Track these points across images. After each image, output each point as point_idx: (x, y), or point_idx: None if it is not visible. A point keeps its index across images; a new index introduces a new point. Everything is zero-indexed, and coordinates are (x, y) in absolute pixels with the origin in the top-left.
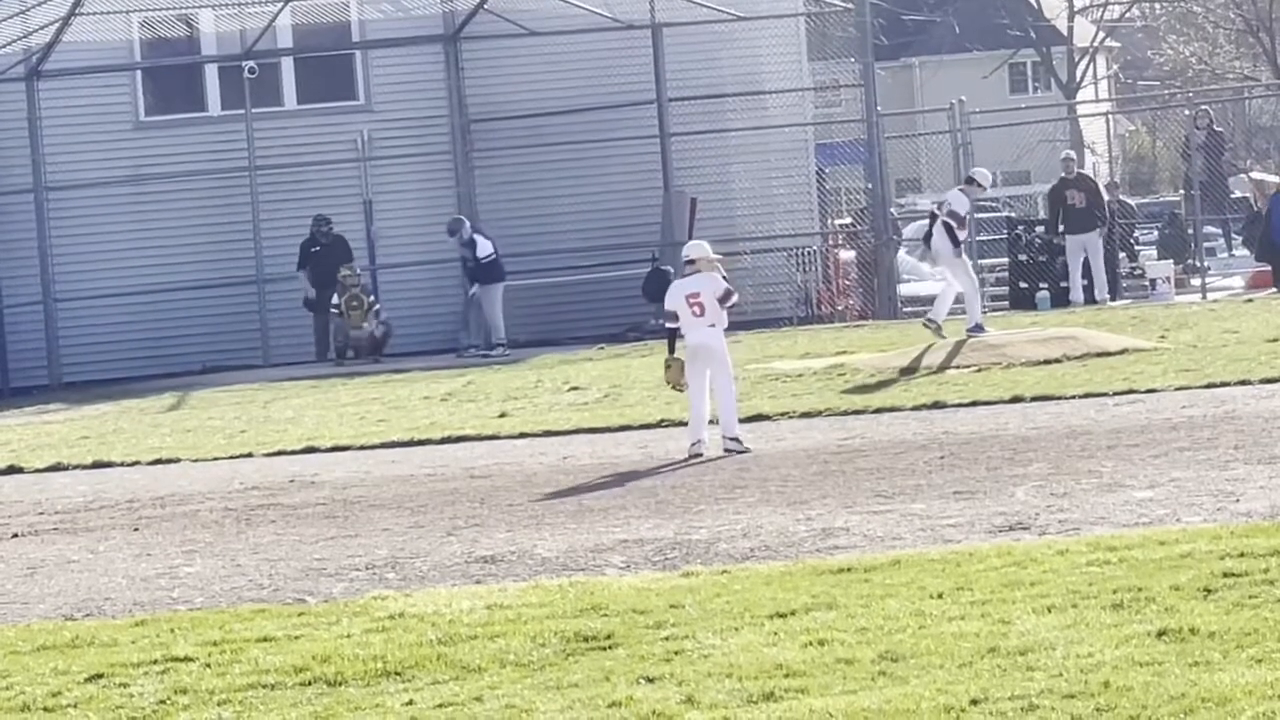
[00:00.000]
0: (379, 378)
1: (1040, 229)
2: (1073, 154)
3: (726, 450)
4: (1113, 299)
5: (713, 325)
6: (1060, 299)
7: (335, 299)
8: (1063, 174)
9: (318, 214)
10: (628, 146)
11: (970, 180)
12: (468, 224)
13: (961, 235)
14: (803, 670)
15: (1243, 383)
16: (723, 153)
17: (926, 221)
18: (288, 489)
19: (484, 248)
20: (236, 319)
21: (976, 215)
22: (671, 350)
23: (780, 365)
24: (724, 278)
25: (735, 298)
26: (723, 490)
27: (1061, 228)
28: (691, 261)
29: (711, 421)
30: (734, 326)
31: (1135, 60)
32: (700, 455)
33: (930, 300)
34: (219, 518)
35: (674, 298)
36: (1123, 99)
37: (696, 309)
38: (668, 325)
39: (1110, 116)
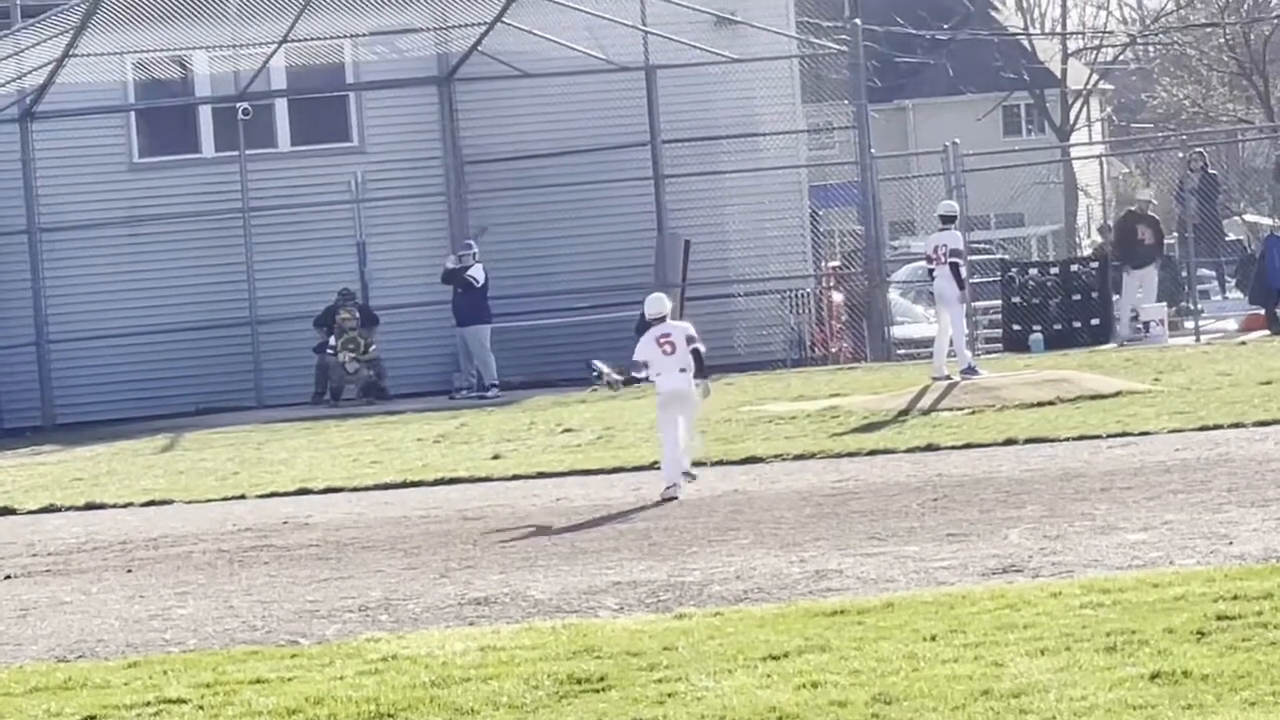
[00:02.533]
0: (372, 419)
1: (1033, 271)
2: (1150, 195)
3: (675, 484)
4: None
5: (683, 370)
6: (1058, 340)
7: (332, 340)
8: (1132, 208)
9: (343, 288)
10: (621, 188)
11: (948, 219)
12: (475, 249)
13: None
14: (796, 713)
15: (1236, 425)
16: (717, 195)
17: (925, 264)
18: (281, 530)
19: (479, 273)
20: (230, 360)
21: (970, 257)
22: (624, 379)
23: (773, 407)
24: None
25: (702, 347)
26: (716, 532)
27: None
28: (660, 318)
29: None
30: (727, 368)
31: (1129, 103)
32: (675, 499)
33: (924, 342)
34: (212, 559)
35: (644, 347)
36: (1116, 141)
37: (667, 347)
38: (635, 375)
39: (1104, 159)
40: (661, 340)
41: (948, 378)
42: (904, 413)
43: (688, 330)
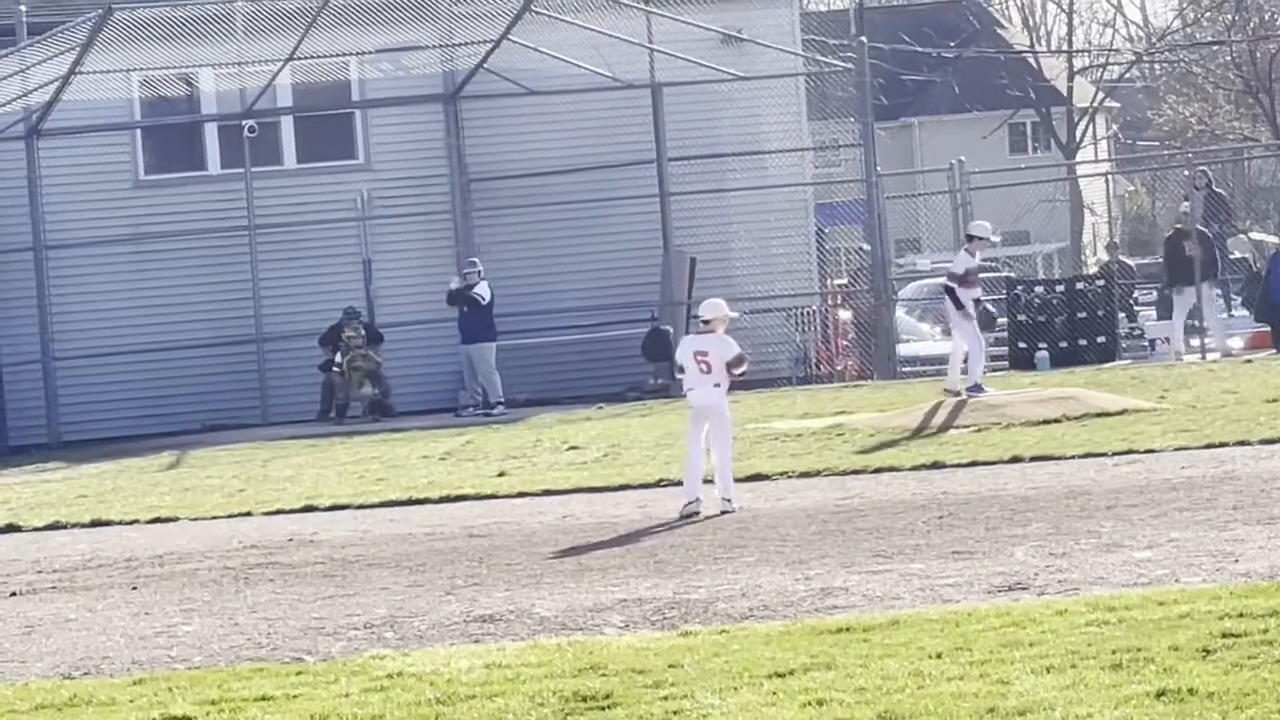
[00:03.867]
0: (378, 437)
1: (1039, 289)
2: (1191, 204)
3: (723, 511)
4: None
5: (717, 385)
6: (1063, 358)
7: (338, 358)
8: (1178, 225)
9: (348, 306)
10: (627, 206)
11: (970, 238)
12: (479, 267)
13: (967, 295)
14: None
15: (1242, 443)
16: (722, 212)
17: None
18: (286, 548)
19: (484, 291)
20: (236, 378)
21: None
22: None
23: (779, 425)
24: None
25: (745, 367)
26: (721, 550)
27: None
28: (706, 321)
29: (707, 480)
30: (732, 386)
31: (1135, 120)
32: (696, 514)
33: (930, 360)
34: (217, 576)
35: (683, 352)
36: (1122, 159)
37: (704, 366)
38: (678, 375)
39: (1110, 177)
40: (699, 357)
41: (957, 394)
42: (919, 431)
43: (729, 354)
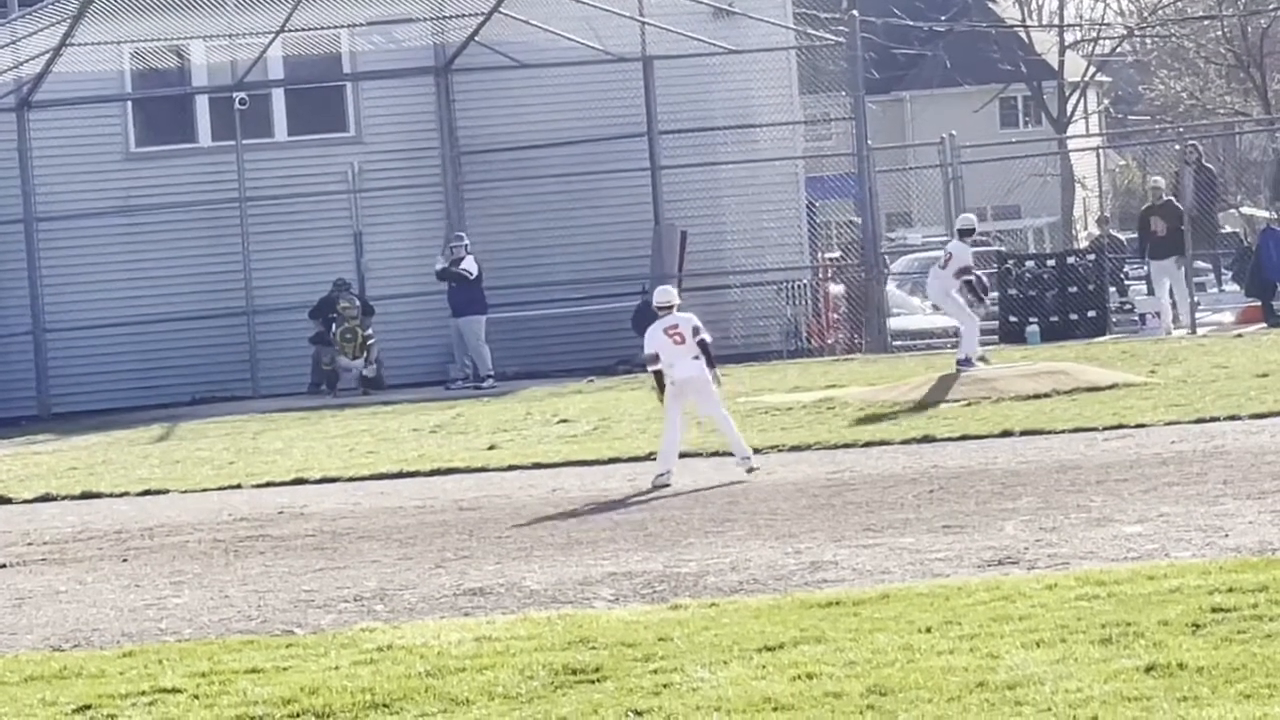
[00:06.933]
0: (368, 409)
1: (1030, 264)
2: (1160, 181)
3: (749, 470)
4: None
5: (696, 357)
6: (1054, 332)
7: (333, 329)
8: (1150, 201)
9: (338, 279)
10: (618, 179)
11: (963, 232)
12: (466, 241)
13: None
14: (791, 704)
15: (1232, 418)
16: (713, 186)
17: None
18: (276, 520)
19: (471, 266)
20: (226, 350)
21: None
22: (662, 389)
23: (769, 399)
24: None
25: (708, 338)
26: (711, 523)
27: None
28: (664, 307)
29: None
30: (723, 359)
31: (1126, 95)
32: (666, 485)
33: (920, 334)
34: (207, 549)
35: (653, 338)
36: (1113, 134)
37: (677, 338)
38: (650, 368)
39: (1101, 151)
40: (670, 331)
41: (980, 360)
42: (910, 404)
43: (694, 321)
